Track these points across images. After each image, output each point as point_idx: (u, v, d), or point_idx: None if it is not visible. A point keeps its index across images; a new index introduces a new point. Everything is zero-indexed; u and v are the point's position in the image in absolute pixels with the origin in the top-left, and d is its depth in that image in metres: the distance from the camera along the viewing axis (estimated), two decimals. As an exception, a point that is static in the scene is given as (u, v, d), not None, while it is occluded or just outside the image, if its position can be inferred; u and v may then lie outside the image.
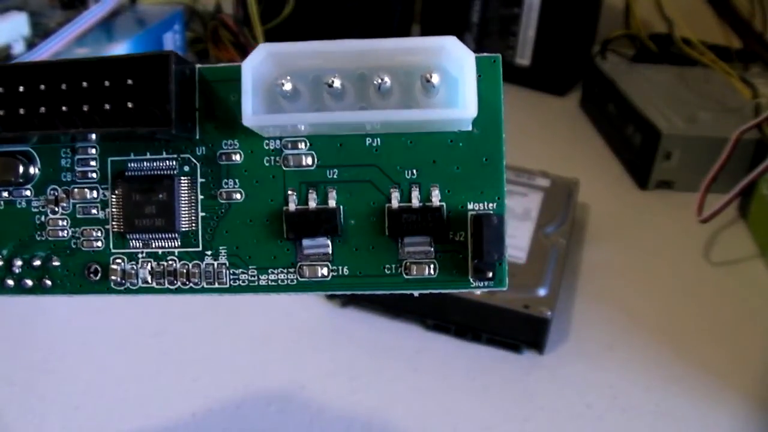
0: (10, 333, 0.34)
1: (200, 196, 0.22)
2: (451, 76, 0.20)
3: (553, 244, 0.37)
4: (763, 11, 0.62)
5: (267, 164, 0.22)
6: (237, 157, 0.22)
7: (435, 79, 0.19)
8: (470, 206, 0.22)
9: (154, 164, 0.22)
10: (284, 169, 0.22)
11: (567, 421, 0.31)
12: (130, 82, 0.20)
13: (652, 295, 0.39)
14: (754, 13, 0.62)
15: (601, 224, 0.44)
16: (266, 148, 0.22)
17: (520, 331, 0.33)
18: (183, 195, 0.22)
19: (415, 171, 0.22)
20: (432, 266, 0.22)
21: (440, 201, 0.21)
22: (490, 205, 0.21)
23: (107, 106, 0.20)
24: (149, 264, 0.22)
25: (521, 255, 0.36)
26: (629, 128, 0.51)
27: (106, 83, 0.20)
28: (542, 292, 0.34)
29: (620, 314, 0.37)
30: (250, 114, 0.20)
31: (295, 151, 0.22)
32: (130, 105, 0.20)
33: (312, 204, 0.22)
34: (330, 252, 0.22)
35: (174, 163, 0.22)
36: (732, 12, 0.61)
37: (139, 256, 0.22)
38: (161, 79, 0.20)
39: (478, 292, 0.34)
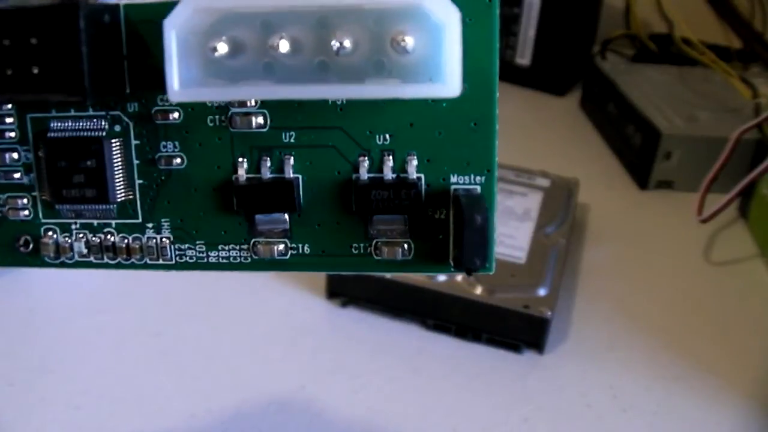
0: (10, 333, 0.34)
1: (136, 161, 0.19)
2: (430, 39, 0.16)
3: (553, 244, 0.37)
4: (763, 11, 0.62)
5: (211, 124, 0.19)
6: (175, 116, 0.19)
7: (409, 42, 0.16)
8: (453, 179, 0.18)
9: (80, 124, 0.19)
10: (231, 130, 0.19)
11: (567, 421, 0.31)
12: (33, 41, 0.17)
13: (652, 295, 0.39)
14: (754, 13, 0.62)
15: (601, 224, 0.44)
16: (209, 105, 0.19)
17: (520, 331, 0.33)
18: (116, 160, 0.19)
19: (388, 136, 0.18)
20: (406, 247, 0.19)
21: (417, 173, 0.18)
22: (477, 178, 0.18)
23: (9, 72, 0.17)
24: (85, 236, 0.20)
25: (521, 255, 0.36)
26: (629, 128, 0.51)
27: (6, 43, 0.17)
28: (542, 292, 0.34)
29: (620, 314, 0.37)
30: (176, 89, 0.16)
31: (244, 110, 0.18)
32: (35, 70, 0.17)
33: (265, 173, 0.19)
34: (288, 228, 0.19)
35: (102, 122, 0.19)
36: (732, 12, 0.61)
37: (73, 227, 0.20)
38: (69, 39, 0.16)
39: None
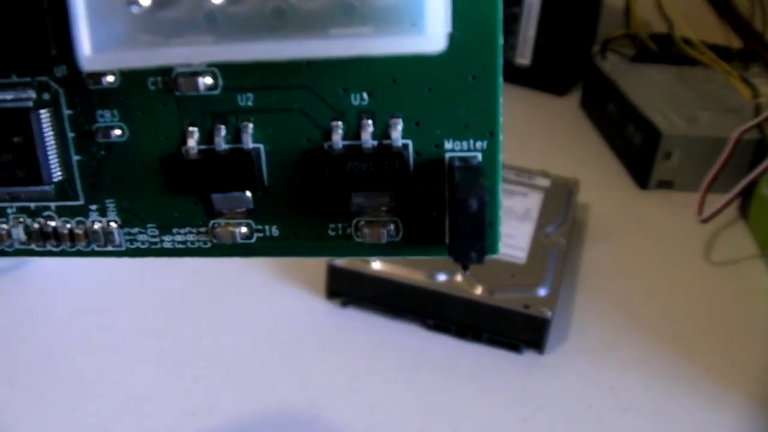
0: (10, 333, 0.34)
1: (70, 134, 0.17)
2: None
3: (553, 244, 0.37)
4: (763, 11, 0.62)
5: (152, 87, 0.16)
6: (110, 79, 0.16)
7: None
8: (448, 146, 0.15)
9: (1, 94, 0.16)
10: (177, 94, 0.16)
11: (567, 421, 0.31)
12: None
13: (652, 294, 0.39)
14: (754, 13, 0.62)
15: (601, 224, 0.44)
16: None
17: (520, 331, 0.33)
18: (47, 135, 0.16)
19: (366, 95, 0.15)
20: (393, 227, 0.16)
21: (404, 139, 0.15)
22: (478, 144, 0.15)
23: None
24: (23, 221, 0.18)
25: (521, 255, 0.36)
26: (629, 128, 0.51)
27: None
28: (542, 292, 0.34)
29: (620, 314, 0.37)
30: (88, 54, 0.13)
31: (189, 69, 0.15)
32: None
33: (219, 144, 0.16)
34: (251, 207, 0.16)
35: (28, 90, 0.16)
36: (732, 12, 0.61)
37: (9, 211, 0.18)
38: None
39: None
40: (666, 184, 0.48)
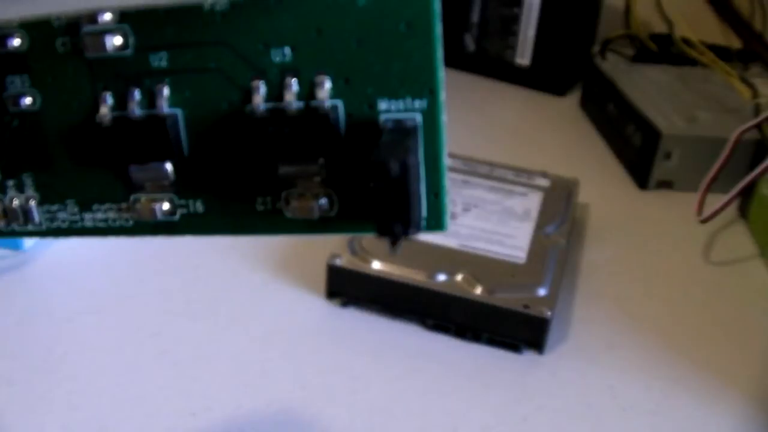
0: (10, 333, 0.34)
1: None
2: None
3: (553, 244, 0.37)
4: (763, 11, 0.62)
5: (61, 49, 0.15)
6: (17, 42, 0.15)
7: None
8: (383, 106, 0.14)
9: None
10: (87, 56, 0.15)
11: (567, 421, 0.31)
12: None
13: (652, 294, 0.39)
14: (754, 13, 0.62)
15: (601, 224, 0.44)
16: (55, 24, 0.14)
17: (520, 331, 0.33)
18: None
19: (288, 50, 0.14)
20: (326, 201, 0.15)
21: (332, 99, 0.14)
22: (417, 103, 0.13)
23: None
24: None
25: (521, 255, 0.36)
26: (629, 128, 0.51)
27: None
28: (542, 292, 0.34)
29: (620, 314, 0.37)
30: None
31: (96, 28, 0.14)
32: None
33: (133, 110, 0.15)
34: (173, 180, 0.15)
35: None
36: (732, 12, 0.61)
37: None
38: None
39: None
40: (666, 184, 0.48)
